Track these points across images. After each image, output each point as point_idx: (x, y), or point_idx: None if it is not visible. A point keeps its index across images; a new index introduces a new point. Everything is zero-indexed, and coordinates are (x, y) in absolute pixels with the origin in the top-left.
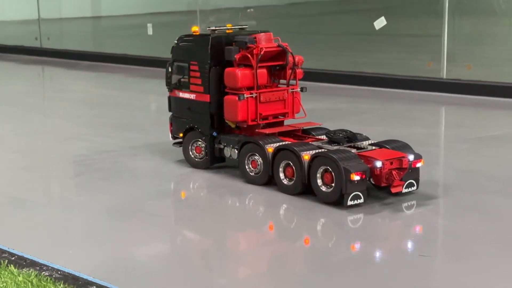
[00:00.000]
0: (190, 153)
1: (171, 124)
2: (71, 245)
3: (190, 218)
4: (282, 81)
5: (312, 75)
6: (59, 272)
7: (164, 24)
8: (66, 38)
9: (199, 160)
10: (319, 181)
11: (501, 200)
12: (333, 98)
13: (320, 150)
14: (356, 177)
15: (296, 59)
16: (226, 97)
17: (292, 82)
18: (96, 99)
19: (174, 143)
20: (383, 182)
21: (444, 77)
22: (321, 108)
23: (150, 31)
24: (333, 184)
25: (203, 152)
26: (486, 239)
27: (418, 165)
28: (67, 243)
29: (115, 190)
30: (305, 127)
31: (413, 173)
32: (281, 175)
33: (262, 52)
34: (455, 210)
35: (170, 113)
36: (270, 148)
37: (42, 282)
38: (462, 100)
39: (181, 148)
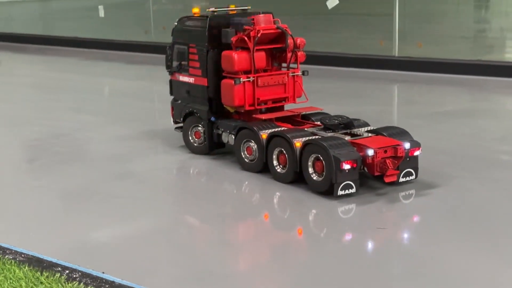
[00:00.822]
0: (190, 138)
1: (172, 108)
2: (32, 229)
3: (149, 198)
4: (284, 64)
5: None
6: (22, 255)
7: (116, 5)
8: (14, 21)
9: (198, 145)
10: (310, 170)
11: (451, 171)
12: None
13: (311, 137)
14: (346, 166)
15: (298, 42)
16: (223, 81)
17: (293, 65)
18: (47, 82)
19: (176, 128)
20: (377, 171)
21: (396, 55)
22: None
23: (101, 13)
24: (323, 172)
25: (202, 137)
26: (440, 212)
27: (416, 153)
28: (28, 227)
29: (73, 173)
30: (305, 112)
31: (411, 162)
32: (275, 163)
33: (259, 35)
34: (415, 185)
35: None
36: (264, 134)
37: (7, 265)
38: (413, 77)
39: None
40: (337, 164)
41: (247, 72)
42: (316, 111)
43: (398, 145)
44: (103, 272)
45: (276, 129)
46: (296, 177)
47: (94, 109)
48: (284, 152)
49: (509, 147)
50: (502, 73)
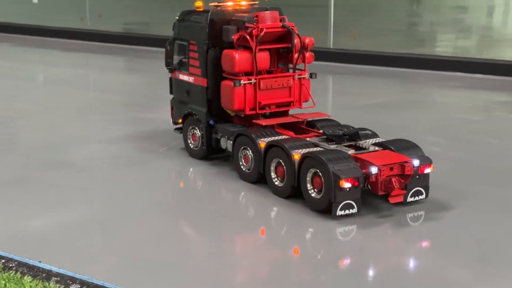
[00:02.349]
0: (188, 140)
1: (172, 108)
2: None
3: (86, 188)
4: (290, 65)
5: None
6: None
7: None
8: None
9: (194, 148)
10: (309, 185)
11: None
12: None
13: (310, 150)
14: (346, 184)
15: (306, 41)
16: (223, 82)
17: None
18: None
19: (175, 129)
20: (381, 190)
21: (331, 47)
22: None
23: None
24: (322, 190)
25: (198, 141)
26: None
27: (427, 170)
28: None
29: (8, 162)
30: (310, 119)
31: (421, 180)
32: (272, 174)
33: (262, 33)
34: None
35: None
36: (262, 143)
37: None
38: (348, 69)
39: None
40: (336, 182)
41: (248, 74)
42: (323, 118)
43: (406, 162)
44: (40, 261)
45: (275, 138)
46: (295, 192)
47: (29, 97)
48: (283, 164)
49: (439, 138)
50: (433, 66)
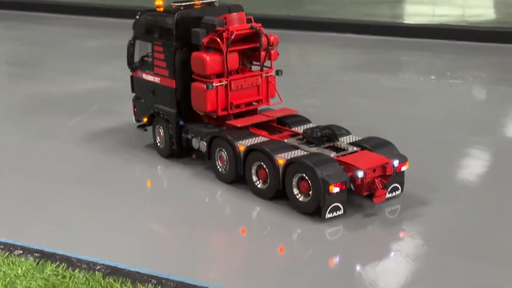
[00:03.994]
0: (156, 139)
1: (134, 106)
2: None
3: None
4: (255, 63)
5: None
6: None
7: None
8: None
9: (160, 147)
10: (295, 190)
11: None
12: (122, 33)
13: (295, 155)
14: (335, 189)
15: (271, 39)
16: (194, 85)
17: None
18: None
19: (138, 126)
20: (365, 191)
21: None
22: (109, 45)
23: None
24: (310, 193)
25: (163, 140)
26: None
27: (403, 168)
28: None
29: None
30: (279, 116)
31: (398, 177)
32: (254, 178)
33: (233, 36)
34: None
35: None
36: (241, 146)
37: None
38: None
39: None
40: (325, 187)
41: (219, 75)
42: (291, 114)
43: (387, 163)
44: None
45: (255, 141)
46: (278, 194)
47: None
48: (265, 167)
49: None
50: (310, 27)
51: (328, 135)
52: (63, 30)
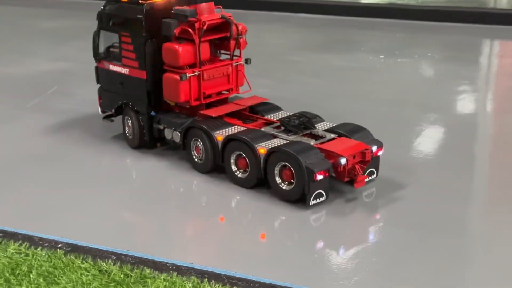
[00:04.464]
0: (125, 130)
1: (100, 98)
2: None
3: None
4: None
5: None
6: None
7: None
8: None
9: (129, 137)
10: (278, 179)
11: None
12: (81, 14)
13: (277, 145)
14: (319, 177)
15: (240, 28)
16: (166, 75)
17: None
18: None
19: (104, 117)
20: (346, 177)
21: None
22: (66, 26)
23: None
24: (293, 181)
25: (131, 130)
26: None
27: (380, 153)
28: None
29: None
30: (250, 104)
31: (374, 161)
32: (233, 167)
33: (205, 27)
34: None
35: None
36: (219, 136)
37: None
38: None
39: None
40: (310, 175)
41: (191, 66)
42: (262, 102)
43: (366, 149)
44: None
45: (231, 131)
46: (259, 182)
47: None
48: (244, 156)
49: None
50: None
51: (305, 123)
52: (18, 10)
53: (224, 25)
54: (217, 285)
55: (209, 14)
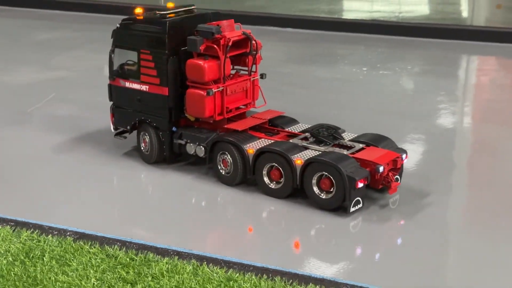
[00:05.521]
0: (140, 146)
1: (112, 115)
2: None
3: None
4: (238, 68)
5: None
6: None
7: None
8: None
9: (145, 153)
10: (316, 188)
11: None
12: (69, 27)
13: (313, 155)
14: (360, 185)
15: (255, 44)
16: (190, 91)
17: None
18: None
19: (116, 135)
20: (381, 184)
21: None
22: (59, 37)
23: None
24: (331, 190)
25: (148, 146)
26: None
27: (405, 160)
28: None
29: None
30: (271, 118)
31: (400, 168)
32: (266, 179)
33: (230, 43)
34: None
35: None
36: (250, 149)
37: None
38: None
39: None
40: (352, 184)
41: (215, 81)
42: (279, 115)
43: (398, 157)
44: None
45: (260, 144)
46: (293, 192)
47: None
48: (279, 167)
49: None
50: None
51: (333, 134)
52: (12, 22)
53: (244, 41)
54: (215, 268)
55: (230, 31)
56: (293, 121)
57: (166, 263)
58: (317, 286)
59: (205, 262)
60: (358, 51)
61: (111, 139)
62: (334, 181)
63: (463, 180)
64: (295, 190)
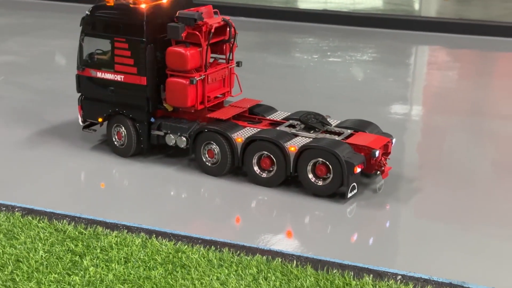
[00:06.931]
0: (113, 138)
1: (81, 107)
2: None
3: None
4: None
5: None
6: None
7: None
8: None
9: (119, 147)
10: (310, 175)
11: None
12: (19, 13)
13: (306, 142)
14: (358, 170)
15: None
16: (172, 80)
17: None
18: None
19: (84, 128)
20: (374, 169)
21: None
22: (8, 23)
23: None
24: (326, 177)
25: (124, 139)
26: None
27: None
28: None
29: None
30: (251, 106)
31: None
32: (256, 168)
33: (212, 30)
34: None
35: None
36: (239, 138)
37: None
38: None
39: (93, 133)
40: (350, 169)
41: (196, 69)
42: (257, 104)
43: (389, 141)
44: None
45: (248, 132)
46: (286, 180)
47: None
48: (270, 155)
49: None
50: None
51: (321, 121)
52: None
53: (221, 28)
54: (163, 241)
55: (209, 17)
56: (271, 109)
57: (115, 236)
58: (268, 256)
59: (154, 236)
60: (310, 40)
61: (77, 131)
62: (331, 167)
63: (414, 162)
64: (286, 178)
